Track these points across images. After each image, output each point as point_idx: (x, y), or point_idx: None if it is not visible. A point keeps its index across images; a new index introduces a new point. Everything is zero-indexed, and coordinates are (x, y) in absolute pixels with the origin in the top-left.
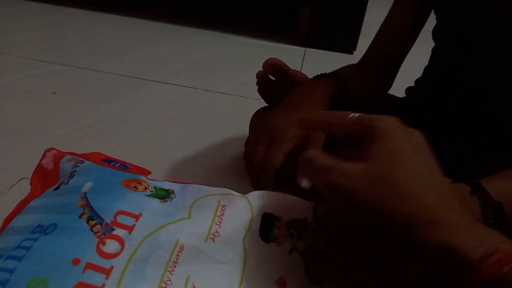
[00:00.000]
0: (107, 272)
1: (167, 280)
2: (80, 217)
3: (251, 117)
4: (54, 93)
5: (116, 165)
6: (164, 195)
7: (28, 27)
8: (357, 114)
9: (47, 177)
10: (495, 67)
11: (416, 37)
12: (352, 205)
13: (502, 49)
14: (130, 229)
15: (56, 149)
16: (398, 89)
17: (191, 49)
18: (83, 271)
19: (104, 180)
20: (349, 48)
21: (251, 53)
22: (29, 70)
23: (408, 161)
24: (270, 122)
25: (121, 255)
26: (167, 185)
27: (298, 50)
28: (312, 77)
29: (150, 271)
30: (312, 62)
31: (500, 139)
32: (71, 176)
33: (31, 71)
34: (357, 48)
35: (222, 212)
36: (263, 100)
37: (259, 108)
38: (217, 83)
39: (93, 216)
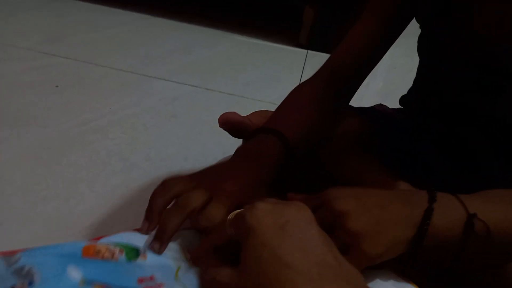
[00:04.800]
0: None
1: None
2: None
3: None
4: (57, 86)
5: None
6: (135, 254)
7: (33, 17)
8: (230, 216)
9: None
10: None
11: (393, 41)
12: None
13: None
14: None
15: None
16: (396, 98)
17: (194, 46)
18: None
19: (52, 260)
20: None
21: (253, 53)
22: (32, 62)
23: (275, 254)
24: (213, 175)
25: None
26: (133, 242)
27: (300, 52)
28: (253, 130)
29: None
30: (314, 64)
31: (491, 154)
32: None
33: (35, 62)
34: None
35: None
36: (265, 102)
37: (261, 109)
38: (219, 82)
39: None
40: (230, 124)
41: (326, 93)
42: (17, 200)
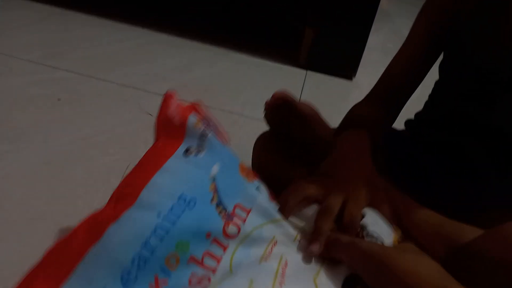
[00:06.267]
0: (224, 247)
1: (266, 257)
2: (211, 201)
3: (253, 138)
4: (59, 99)
5: (213, 129)
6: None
7: (35, 31)
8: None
9: (171, 130)
10: None
11: (426, 74)
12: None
13: None
14: (243, 220)
15: (176, 98)
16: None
17: (195, 64)
18: (211, 243)
19: (227, 165)
20: (349, 74)
21: (253, 72)
22: (35, 75)
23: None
24: (340, 177)
25: (236, 237)
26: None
27: (300, 72)
28: (341, 125)
29: (254, 250)
30: (313, 85)
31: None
32: (200, 146)
33: (37, 76)
34: (357, 74)
35: None
36: (263, 121)
37: (259, 129)
38: (218, 100)
39: (220, 203)
40: (282, 100)
41: (382, 108)
42: (16, 215)
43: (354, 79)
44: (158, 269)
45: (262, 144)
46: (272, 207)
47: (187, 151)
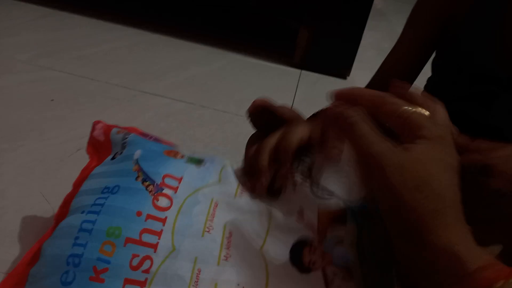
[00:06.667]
0: (162, 220)
1: (209, 227)
2: (136, 179)
3: (246, 137)
4: (52, 100)
5: (151, 138)
6: (197, 161)
7: (30, 31)
8: (412, 110)
9: (100, 147)
10: None
11: (419, 72)
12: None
13: None
14: (175, 189)
15: (103, 122)
16: None
17: (190, 63)
18: (145, 220)
19: (149, 149)
20: (343, 73)
21: (248, 72)
22: (28, 75)
23: (440, 173)
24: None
25: (171, 208)
26: (197, 155)
27: (294, 71)
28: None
29: (195, 219)
30: (307, 84)
31: None
32: (123, 146)
33: (31, 76)
34: (351, 73)
35: None
36: None
37: (253, 128)
38: (213, 100)
39: (146, 178)
40: (261, 107)
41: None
42: (10, 214)
43: (349, 78)
44: (95, 261)
45: (253, 142)
46: (205, 172)
47: (113, 157)
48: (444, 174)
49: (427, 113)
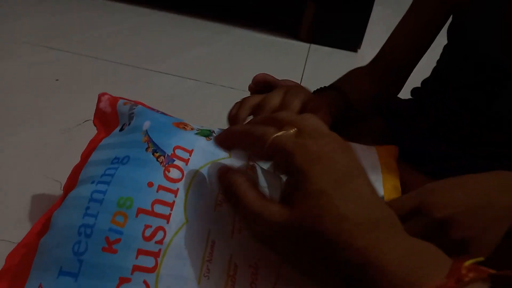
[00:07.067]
0: (174, 192)
1: (221, 200)
2: (146, 150)
3: None
4: (57, 80)
5: (158, 112)
6: (208, 134)
7: (35, 13)
8: (274, 136)
9: (107, 119)
10: None
11: (431, 42)
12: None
13: None
14: (186, 161)
15: (108, 94)
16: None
17: (196, 41)
18: (157, 191)
19: (158, 121)
20: (353, 46)
21: (255, 48)
22: (33, 57)
23: (333, 203)
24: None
25: (182, 180)
26: (207, 127)
27: (303, 45)
28: (313, 91)
29: (207, 193)
30: (316, 58)
31: (500, 151)
32: (131, 117)
33: (36, 57)
34: (362, 47)
35: None
36: None
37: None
38: (220, 77)
39: (156, 150)
40: (263, 83)
41: (382, 74)
42: (14, 199)
43: (360, 51)
44: (107, 231)
45: None
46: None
47: (122, 128)
48: (338, 205)
49: (293, 130)
